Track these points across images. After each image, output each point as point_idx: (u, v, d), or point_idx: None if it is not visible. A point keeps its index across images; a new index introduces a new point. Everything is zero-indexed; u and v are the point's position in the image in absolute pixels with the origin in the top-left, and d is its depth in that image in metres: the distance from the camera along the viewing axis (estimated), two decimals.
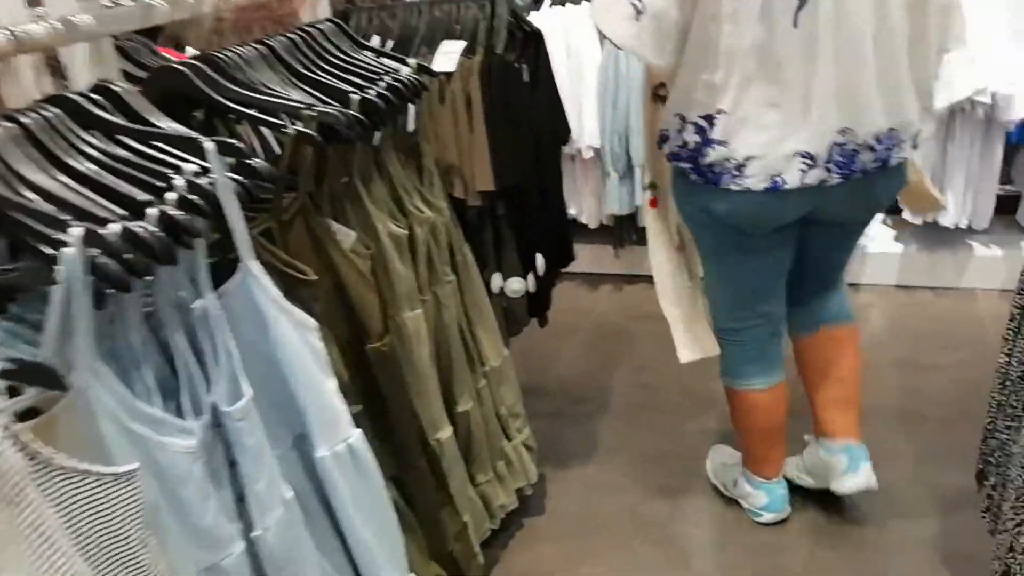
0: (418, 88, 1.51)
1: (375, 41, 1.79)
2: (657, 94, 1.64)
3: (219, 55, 1.23)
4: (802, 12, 1.34)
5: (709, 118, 1.45)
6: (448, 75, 1.68)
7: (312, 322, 1.02)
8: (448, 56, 1.69)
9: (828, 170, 1.46)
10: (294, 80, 1.34)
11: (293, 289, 1.12)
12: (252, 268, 0.96)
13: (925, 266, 3.03)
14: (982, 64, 2.47)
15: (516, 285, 1.85)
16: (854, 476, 1.75)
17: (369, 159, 1.45)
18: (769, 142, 1.43)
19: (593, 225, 3.21)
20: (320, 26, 1.51)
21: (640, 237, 3.23)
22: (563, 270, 2.09)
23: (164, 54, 1.63)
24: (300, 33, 1.44)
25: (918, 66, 1.48)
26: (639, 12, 1.36)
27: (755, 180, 1.45)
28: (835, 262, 1.81)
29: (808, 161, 1.44)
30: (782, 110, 1.41)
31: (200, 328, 0.94)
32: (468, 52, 1.73)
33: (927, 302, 2.98)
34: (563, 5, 2.98)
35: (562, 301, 2.25)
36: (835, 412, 1.81)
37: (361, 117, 1.28)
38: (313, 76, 1.37)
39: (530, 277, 1.88)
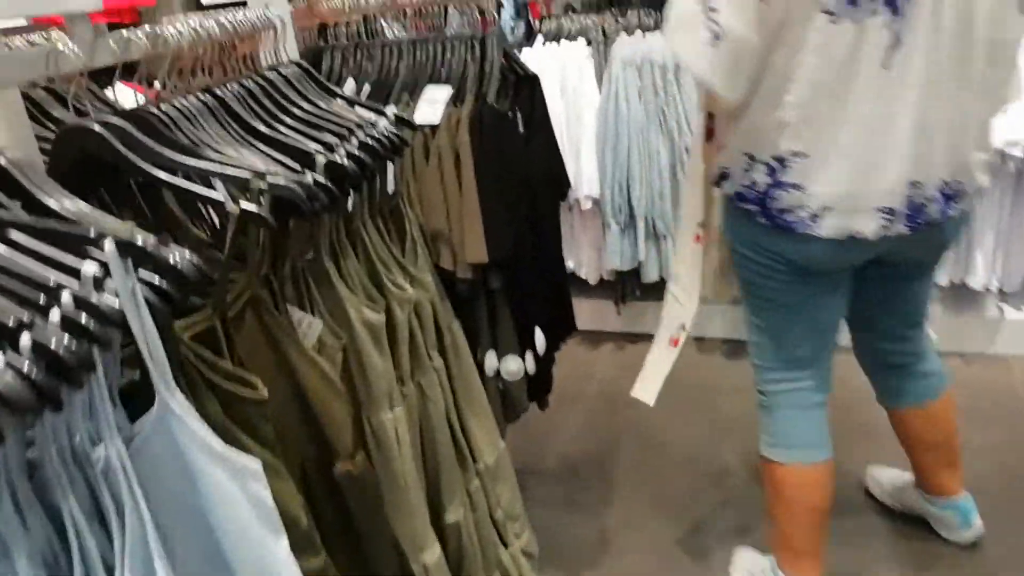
0: (398, 145, 1.28)
1: (349, 86, 1.56)
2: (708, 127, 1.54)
3: (155, 109, 0.99)
4: (897, 53, 1.23)
5: (782, 159, 1.33)
6: (433, 127, 1.45)
7: (255, 466, 0.77)
8: (433, 105, 1.46)
9: (901, 222, 1.37)
10: (248, 138, 1.10)
11: (239, 407, 0.88)
12: (172, 405, 0.71)
13: (952, 330, 2.78)
14: (1015, 114, 2.26)
15: (513, 366, 1.60)
16: (969, 530, 1.85)
17: (340, 229, 1.21)
18: (849, 193, 1.33)
19: (592, 280, 2.98)
20: (283, 71, 1.28)
21: (644, 292, 3.01)
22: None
23: (129, 89, 1.41)
24: (258, 80, 1.21)
25: (983, 118, 1.37)
26: (717, 37, 1.22)
27: (831, 231, 1.35)
28: (916, 297, 1.69)
29: (888, 216, 1.34)
30: (860, 156, 1.30)
31: (102, 485, 0.69)
32: (456, 100, 1.50)
33: (955, 369, 2.74)
34: (558, 42, 2.79)
35: (561, 363, 2.02)
36: (942, 475, 1.83)
37: (328, 184, 1.05)
38: (272, 132, 1.13)
39: (529, 356, 1.64)
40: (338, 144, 1.17)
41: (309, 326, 1.09)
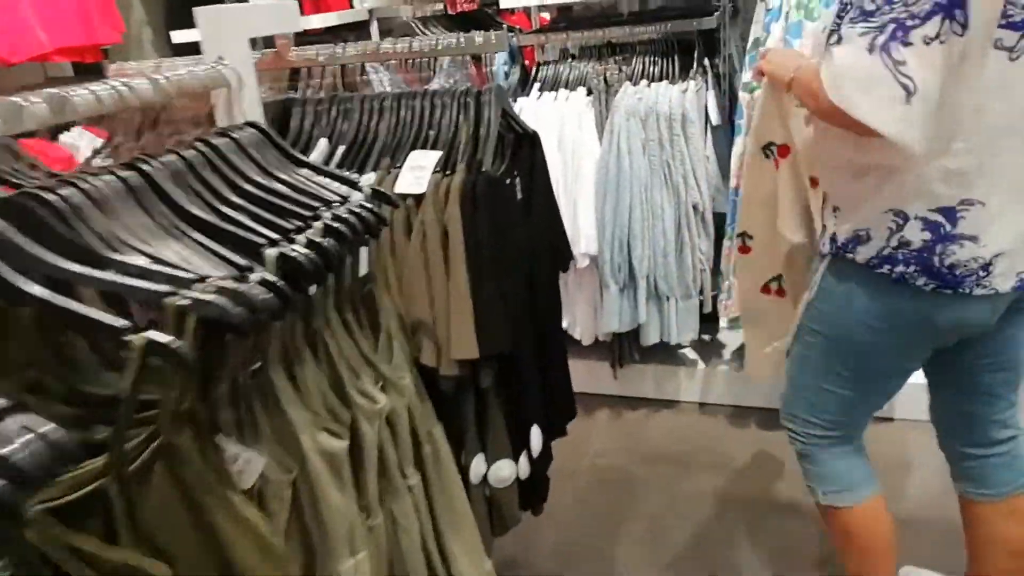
0: (373, 225, 1.07)
1: (321, 148, 1.35)
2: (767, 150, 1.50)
3: (50, 195, 0.78)
4: None
5: (950, 211, 1.22)
6: (418, 198, 1.24)
7: None
8: (418, 173, 1.25)
9: None
10: (179, 225, 0.89)
11: None
12: None
13: None
14: None
15: (504, 471, 1.38)
16: None
17: (296, 331, 0.99)
18: (1020, 234, 1.25)
19: (587, 341, 2.76)
20: (236, 134, 1.06)
21: (643, 355, 2.80)
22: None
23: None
24: (201, 148, 1.00)
25: None
26: (910, 93, 1.12)
27: (1002, 279, 1.26)
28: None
29: None
30: None
31: None
32: (445, 167, 1.29)
33: None
34: (555, 90, 2.60)
35: None
36: None
37: (280, 286, 0.83)
38: (213, 217, 0.92)
39: (522, 459, 1.41)
40: (298, 228, 0.96)
41: (247, 463, 0.87)
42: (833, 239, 1.35)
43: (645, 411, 2.82)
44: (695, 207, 2.45)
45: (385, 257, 1.23)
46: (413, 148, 1.32)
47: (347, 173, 1.13)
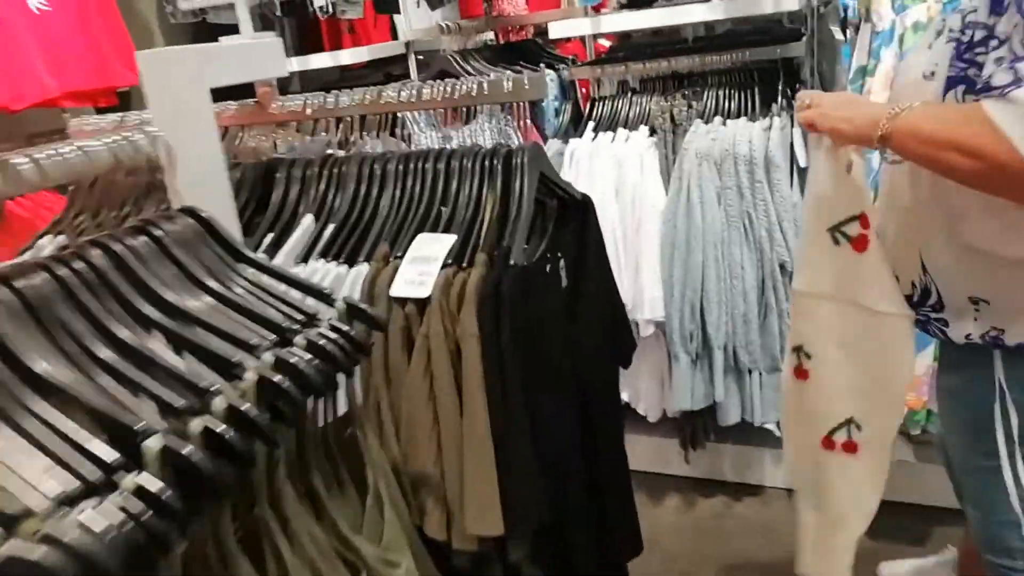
0: (343, 362, 0.74)
1: (303, 230, 1.04)
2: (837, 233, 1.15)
3: None
4: None
5: None
6: (421, 304, 0.91)
7: None
8: (422, 267, 0.92)
9: None
10: (52, 377, 0.57)
11: None
12: None
13: None
14: None
15: None
16: None
17: (226, 530, 0.67)
18: None
19: (653, 418, 2.39)
20: (160, 229, 0.75)
21: (719, 435, 2.40)
22: None
23: None
24: (107, 250, 0.69)
25: None
26: None
27: None
28: None
29: None
30: None
31: None
32: (460, 256, 0.96)
33: None
34: (613, 130, 2.25)
35: None
36: None
37: (165, 503, 0.52)
38: (112, 353, 0.61)
39: None
40: (237, 368, 0.65)
41: None
42: (996, 339, 1.10)
43: (723, 497, 2.42)
44: (782, 266, 2.07)
45: (377, 385, 0.89)
46: (421, 230, 0.99)
47: (317, 284, 0.81)
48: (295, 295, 0.80)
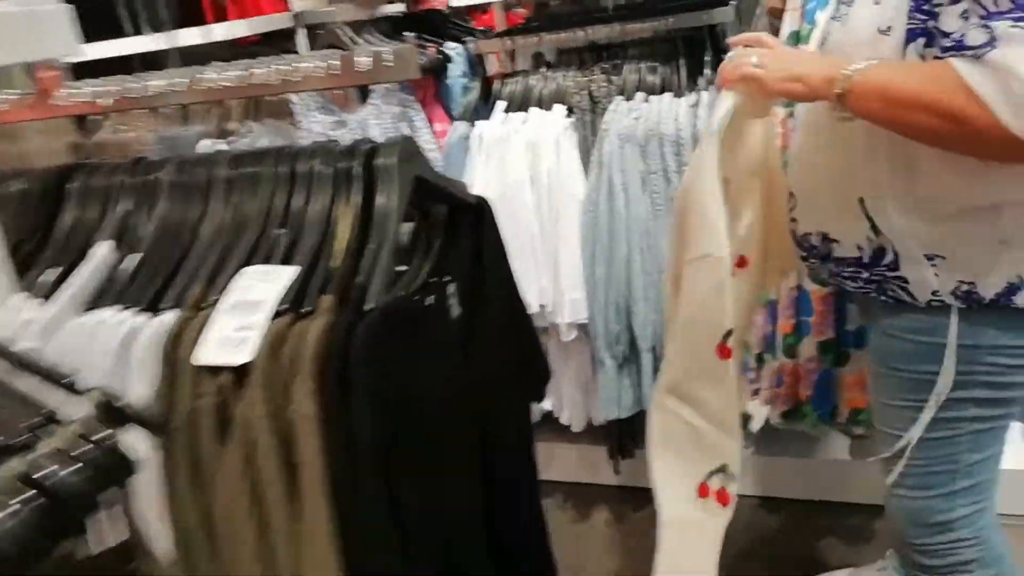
0: (87, 486, 0.48)
1: (95, 263, 0.76)
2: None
3: None
4: None
5: None
6: (240, 373, 0.65)
7: None
8: (244, 317, 0.66)
9: None
10: None
11: None
12: None
13: None
14: None
15: None
16: None
17: None
18: None
19: (578, 427, 2.19)
20: None
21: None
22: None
23: None
24: None
25: None
26: None
27: None
28: None
29: None
30: None
31: None
32: (299, 297, 0.70)
33: None
34: (525, 110, 2.02)
35: None
36: None
37: None
38: None
39: None
40: None
41: None
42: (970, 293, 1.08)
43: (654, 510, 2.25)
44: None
45: (181, 491, 0.64)
46: (250, 261, 0.73)
47: (57, 368, 0.54)
48: (29, 383, 0.54)
